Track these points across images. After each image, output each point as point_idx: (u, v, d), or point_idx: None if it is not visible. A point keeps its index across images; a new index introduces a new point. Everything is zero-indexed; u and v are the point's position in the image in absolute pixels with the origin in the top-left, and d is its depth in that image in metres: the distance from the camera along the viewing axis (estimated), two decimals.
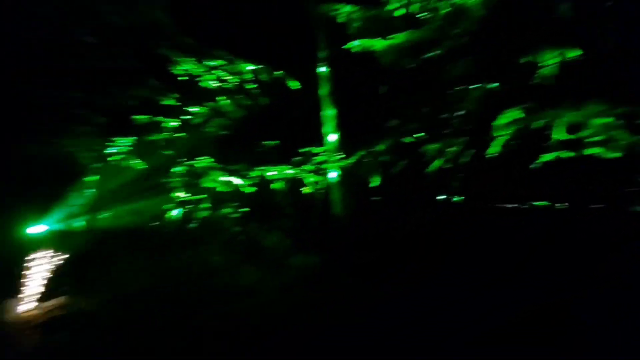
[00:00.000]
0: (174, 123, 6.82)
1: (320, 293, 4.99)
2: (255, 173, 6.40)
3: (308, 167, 6.43)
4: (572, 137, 5.06)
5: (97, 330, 4.46)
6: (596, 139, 4.82)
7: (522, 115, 5.62)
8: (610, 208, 5.03)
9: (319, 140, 6.53)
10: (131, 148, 6.97)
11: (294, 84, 6.40)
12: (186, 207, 6.75)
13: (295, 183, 6.47)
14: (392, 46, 7.08)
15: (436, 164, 6.13)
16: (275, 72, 6.20)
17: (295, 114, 6.52)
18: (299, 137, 6.51)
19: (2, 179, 6.66)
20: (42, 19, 6.46)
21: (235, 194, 6.70)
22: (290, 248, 6.81)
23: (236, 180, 6.55)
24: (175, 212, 6.87)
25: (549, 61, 4.98)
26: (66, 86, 6.34)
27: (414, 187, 6.28)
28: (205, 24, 6.55)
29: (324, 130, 6.52)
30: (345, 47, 6.50)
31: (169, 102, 6.51)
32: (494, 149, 5.37)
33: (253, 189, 6.63)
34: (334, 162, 6.56)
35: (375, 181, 6.87)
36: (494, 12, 5.71)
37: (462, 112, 6.44)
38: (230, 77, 6.49)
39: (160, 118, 6.72)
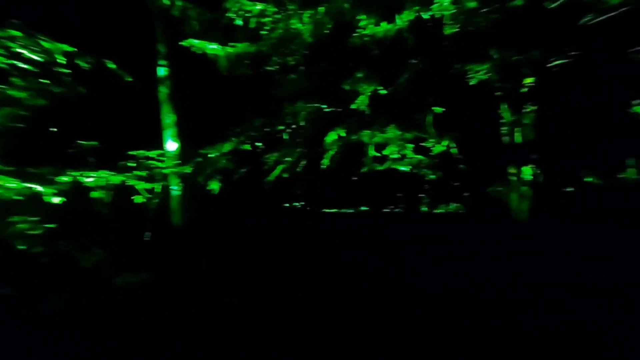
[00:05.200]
0: None
1: (151, 313, 4.46)
2: (65, 179, 5.23)
3: (140, 172, 5.73)
4: (377, 154, 6.45)
5: None
6: (395, 156, 6.29)
7: (344, 134, 6.72)
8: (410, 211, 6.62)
9: (153, 142, 5.93)
10: None
11: (124, 75, 5.59)
12: None
13: (123, 191, 5.65)
14: (230, 53, 7.21)
15: (276, 172, 6.55)
16: (101, 60, 5.21)
17: (125, 111, 5.70)
18: (129, 139, 5.73)
19: None
20: None
21: (37, 205, 5.32)
22: (115, 267, 5.92)
23: (37, 187, 5.21)
24: None
25: (366, 92, 6.15)
26: None
27: (258, 195, 6.49)
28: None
29: (162, 132, 5.97)
30: (183, 44, 6.24)
31: None
32: (325, 161, 6.21)
33: (61, 199, 5.43)
34: (170, 167, 6.09)
35: (215, 187, 6.78)
36: (324, 42, 6.61)
37: (295, 126, 7.12)
38: (28, 53, 5.11)
39: None
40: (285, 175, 6.56)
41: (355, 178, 6.19)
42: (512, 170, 7.22)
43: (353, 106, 6.13)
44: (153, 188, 5.86)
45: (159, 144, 6.04)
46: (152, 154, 5.93)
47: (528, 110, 7.16)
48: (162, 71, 6.11)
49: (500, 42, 6.90)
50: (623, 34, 5.59)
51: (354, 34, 5.97)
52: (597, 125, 6.42)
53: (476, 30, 6.71)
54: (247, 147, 7.37)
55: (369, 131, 6.16)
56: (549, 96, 6.80)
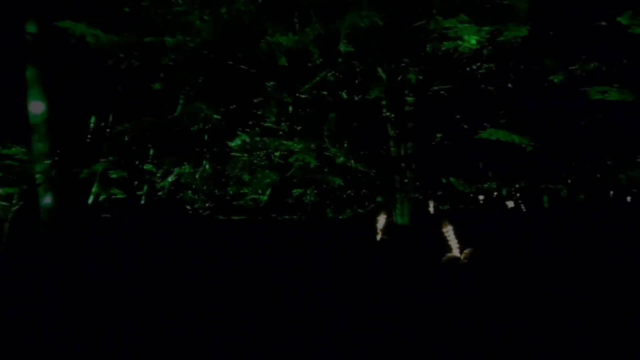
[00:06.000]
0: None
1: None
2: None
3: None
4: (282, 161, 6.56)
5: None
6: (298, 163, 6.47)
7: (248, 139, 6.61)
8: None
9: (16, 138, 4.79)
10: None
11: None
12: None
13: None
14: (112, 41, 6.42)
15: (169, 180, 5.99)
16: None
17: None
18: None
19: None
20: None
21: None
22: None
23: None
24: None
25: (272, 98, 6.17)
26: None
27: (158, 201, 5.83)
28: None
29: (29, 125, 4.85)
30: (58, 24, 5.32)
31: None
32: (229, 167, 5.98)
33: None
34: (37, 167, 5.01)
35: (96, 192, 5.87)
36: (228, 44, 6.37)
37: (197, 127, 6.67)
38: None
39: None
40: (184, 180, 6.09)
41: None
42: (397, 179, 8.15)
43: (260, 112, 6.09)
44: (12, 193, 4.76)
45: (24, 140, 4.93)
46: (12, 151, 4.82)
47: (409, 127, 8.21)
48: (31, 54, 5.01)
49: (387, 66, 7.77)
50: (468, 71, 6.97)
51: (262, 41, 5.94)
52: (464, 144, 7.78)
53: (369, 52, 7.42)
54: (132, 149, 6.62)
55: (274, 138, 6.19)
56: (427, 116, 7.95)
